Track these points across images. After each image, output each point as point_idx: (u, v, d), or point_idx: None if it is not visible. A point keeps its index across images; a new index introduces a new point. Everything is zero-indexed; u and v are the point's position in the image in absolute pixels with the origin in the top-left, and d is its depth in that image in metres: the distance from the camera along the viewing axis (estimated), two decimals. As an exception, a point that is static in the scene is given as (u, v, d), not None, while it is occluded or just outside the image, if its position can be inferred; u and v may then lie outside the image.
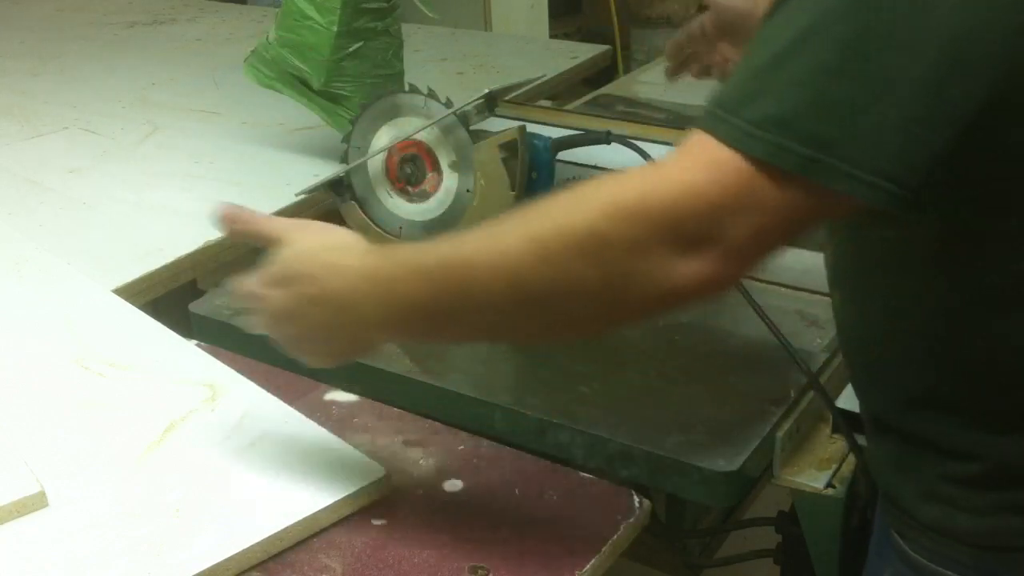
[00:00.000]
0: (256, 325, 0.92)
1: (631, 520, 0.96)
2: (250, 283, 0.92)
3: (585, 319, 0.82)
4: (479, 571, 0.90)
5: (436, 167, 1.37)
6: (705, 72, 1.33)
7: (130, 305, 1.29)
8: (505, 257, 0.79)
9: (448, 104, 1.35)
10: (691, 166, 0.75)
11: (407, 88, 1.38)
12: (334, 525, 0.95)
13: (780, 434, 1.07)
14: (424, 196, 1.39)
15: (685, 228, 0.74)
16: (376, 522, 0.96)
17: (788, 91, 0.73)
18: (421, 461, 1.03)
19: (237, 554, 0.89)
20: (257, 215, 0.96)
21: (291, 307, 0.89)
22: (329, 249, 0.90)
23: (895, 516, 0.92)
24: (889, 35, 0.71)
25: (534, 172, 1.35)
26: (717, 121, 0.75)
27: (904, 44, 0.71)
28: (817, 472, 1.09)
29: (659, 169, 0.77)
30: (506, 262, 0.79)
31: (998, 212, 0.79)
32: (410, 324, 0.87)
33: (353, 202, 1.43)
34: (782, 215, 0.74)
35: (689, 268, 0.75)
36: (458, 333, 0.88)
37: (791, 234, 0.77)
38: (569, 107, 2.00)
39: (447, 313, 0.84)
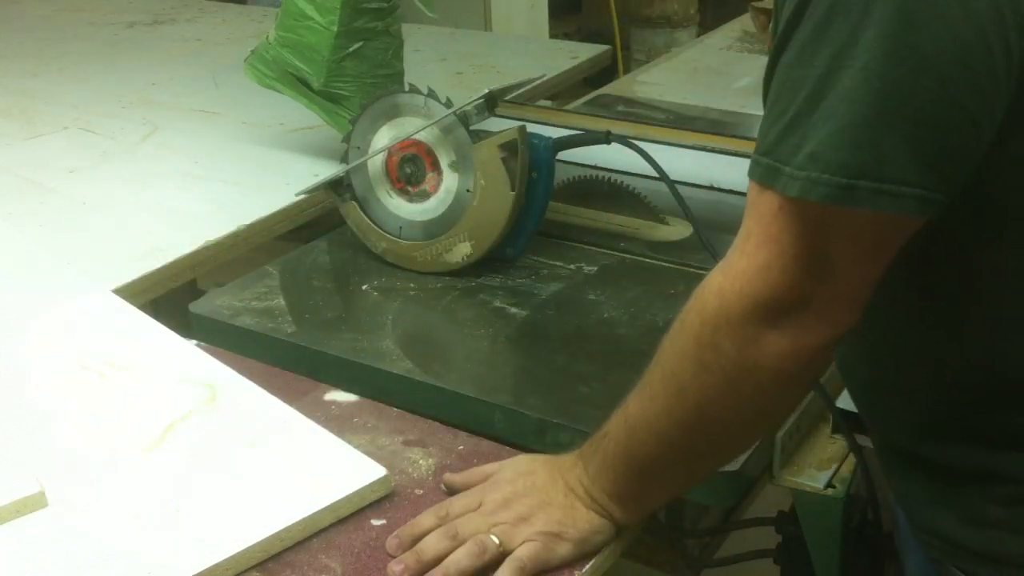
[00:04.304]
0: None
1: (631, 520, 0.96)
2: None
3: (737, 419, 0.87)
4: (479, 571, 0.90)
5: (436, 167, 1.37)
6: None
7: (130, 305, 1.29)
8: (654, 401, 0.89)
9: (448, 104, 1.35)
10: (752, 249, 0.79)
11: (407, 88, 1.38)
12: (334, 525, 0.95)
13: (780, 434, 1.07)
14: (424, 196, 1.39)
15: (775, 306, 0.78)
16: (376, 522, 0.96)
17: (821, 126, 0.74)
18: (421, 461, 1.03)
19: (237, 554, 0.89)
20: None
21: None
22: None
23: (942, 549, 0.89)
24: (894, 54, 0.72)
25: (534, 172, 1.35)
26: (767, 170, 0.77)
27: (910, 61, 0.72)
28: (817, 472, 1.09)
29: (730, 263, 0.81)
30: (655, 406, 0.89)
31: (999, 222, 0.79)
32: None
33: (353, 202, 1.43)
34: (855, 247, 0.76)
35: (802, 329, 0.79)
36: (668, 479, 0.94)
37: (877, 259, 0.78)
38: (569, 107, 1.99)
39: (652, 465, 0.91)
